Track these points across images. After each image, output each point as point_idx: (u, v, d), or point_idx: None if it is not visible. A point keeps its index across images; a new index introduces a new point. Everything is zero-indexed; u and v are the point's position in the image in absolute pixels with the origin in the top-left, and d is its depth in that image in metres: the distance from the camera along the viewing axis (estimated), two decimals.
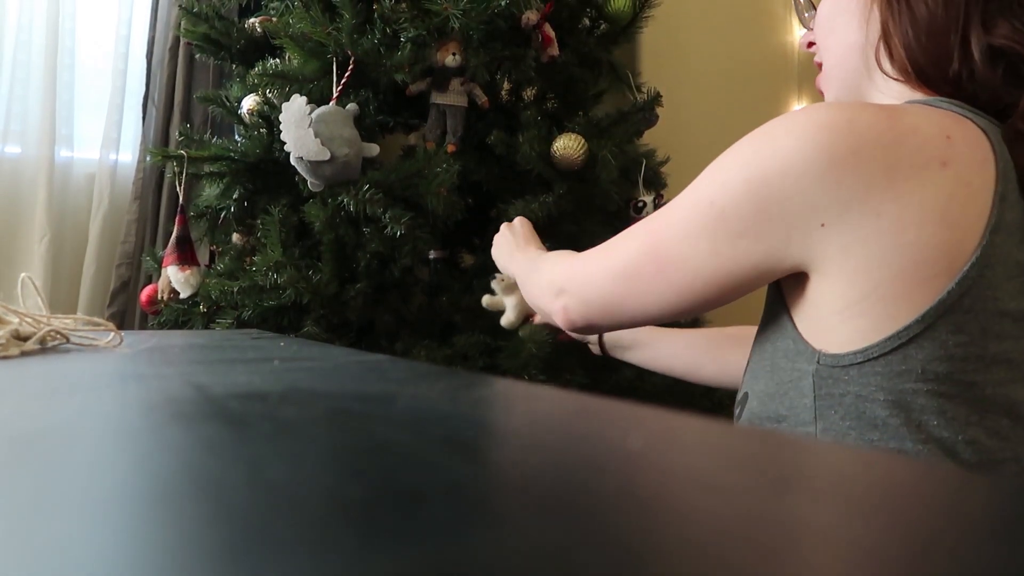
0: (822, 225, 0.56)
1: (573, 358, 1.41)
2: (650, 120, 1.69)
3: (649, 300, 0.67)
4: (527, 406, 0.33)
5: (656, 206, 1.62)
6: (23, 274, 0.54)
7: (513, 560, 0.14)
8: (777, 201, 0.57)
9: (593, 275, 0.71)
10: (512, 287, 1.12)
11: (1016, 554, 0.14)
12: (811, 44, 0.79)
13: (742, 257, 0.60)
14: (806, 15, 0.81)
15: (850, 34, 0.71)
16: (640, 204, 1.59)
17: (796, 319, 0.63)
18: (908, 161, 0.55)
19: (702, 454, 0.24)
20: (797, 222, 0.57)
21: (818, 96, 0.81)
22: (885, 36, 0.67)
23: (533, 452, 0.23)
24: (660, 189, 1.74)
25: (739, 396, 0.71)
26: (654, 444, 0.25)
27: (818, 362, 0.60)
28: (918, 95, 0.66)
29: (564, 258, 0.81)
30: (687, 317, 0.80)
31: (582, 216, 1.50)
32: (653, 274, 0.65)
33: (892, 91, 0.68)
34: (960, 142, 0.56)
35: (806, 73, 2.59)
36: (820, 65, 0.77)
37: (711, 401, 1.54)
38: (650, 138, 1.80)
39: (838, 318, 0.58)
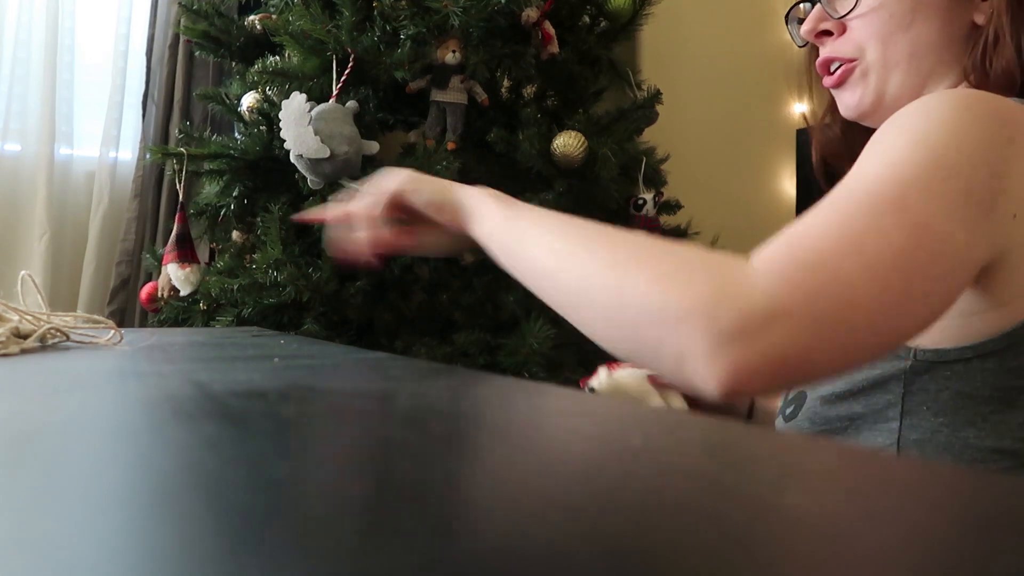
0: (1014, 216, 0.51)
1: (574, 356, 1.41)
2: (650, 118, 1.69)
3: (923, 304, 0.45)
4: (527, 404, 0.33)
5: (656, 204, 1.62)
6: (23, 272, 0.54)
7: (513, 556, 0.14)
8: (999, 178, 0.50)
9: (849, 280, 0.43)
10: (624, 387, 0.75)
11: (1011, 549, 0.14)
12: (825, 34, 0.70)
13: (987, 237, 0.49)
14: None
15: (930, 32, 0.65)
16: (640, 202, 1.59)
17: None
18: None
19: (701, 452, 0.24)
20: (1004, 207, 0.51)
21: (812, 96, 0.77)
22: (996, 42, 0.63)
23: (533, 449, 0.23)
24: (660, 187, 1.74)
25: (789, 395, 0.69)
26: (653, 442, 0.25)
27: (914, 358, 0.58)
28: None
29: (714, 258, 0.46)
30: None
31: (582, 214, 1.50)
32: (926, 264, 0.45)
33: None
34: None
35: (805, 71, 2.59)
36: (849, 60, 0.68)
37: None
38: (650, 135, 1.80)
39: (971, 319, 0.55)
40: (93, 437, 0.25)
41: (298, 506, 0.17)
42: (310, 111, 1.32)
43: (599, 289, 0.47)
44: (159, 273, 1.56)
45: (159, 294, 1.52)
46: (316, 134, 1.30)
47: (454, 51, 1.40)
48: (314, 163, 1.32)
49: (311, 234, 1.42)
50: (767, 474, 0.21)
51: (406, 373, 0.44)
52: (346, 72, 1.38)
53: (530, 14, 1.44)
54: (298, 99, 1.32)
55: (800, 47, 0.77)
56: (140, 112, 2.03)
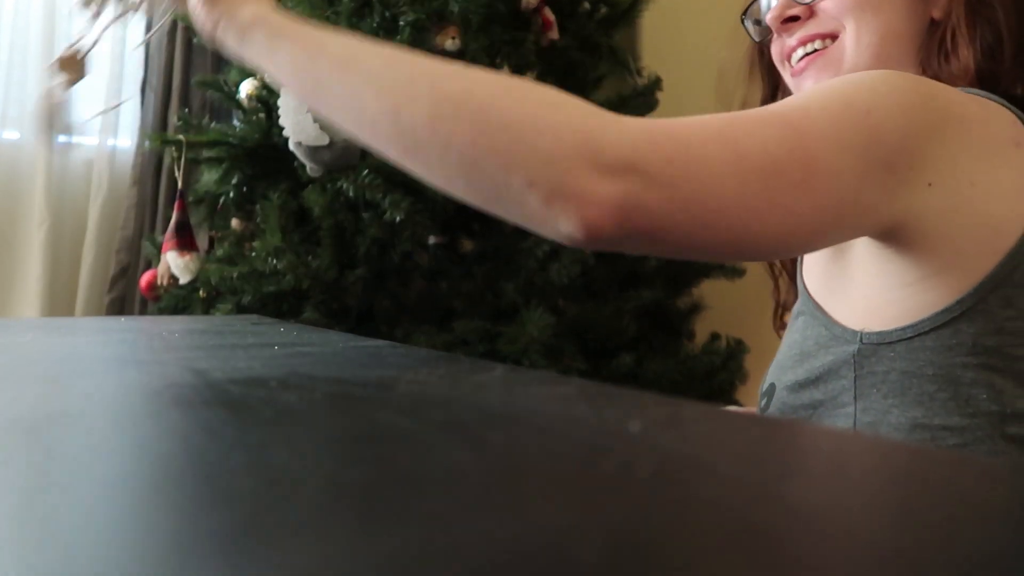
0: (929, 184, 0.53)
1: (574, 344, 1.42)
2: (650, 104, 1.68)
3: (780, 217, 0.48)
4: (527, 392, 0.33)
5: None
6: None
7: (513, 544, 0.14)
8: (915, 143, 0.52)
9: (709, 161, 0.46)
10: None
11: (1014, 534, 0.15)
12: (791, 21, 0.68)
13: (884, 193, 0.51)
14: None
15: (897, 21, 0.66)
16: None
17: (830, 302, 0.63)
18: (997, 137, 0.56)
19: (700, 439, 0.24)
20: (917, 174, 0.53)
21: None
22: (952, 37, 0.64)
23: (533, 437, 0.23)
24: None
25: (764, 387, 0.71)
26: (653, 429, 0.25)
27: (860, 341, 0.59)
28: None
29: (586, 107, 0.47)
30: (794, 255, 0.70)
31: None
32: (797, 182, 0.47)
33: None
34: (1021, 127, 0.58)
35: None
36: (822, 39, 0.67)
37: (710, 387, 1.54)
38: None
39: (906, 291, 0.57)
40: (93, 424, 0.25)
41: (298, 493, 0.17)
42: None
43: (455, 134, 0.46)
44: (158, 261, 1.55)
45: (158, 282, 1.52)
46: (315, 121, 1.30)
47: (453, 37, 1.40)
48: (313, 150, 1.31)
49: (311, 222, 1.42)
50: (767, 462, 0.21)
51: (406, 361, 0.44)
52: None
53: (530, 0, 1.43)
54: None
55: (757, 41, 0.76)
56: (138, 99, 2.03)
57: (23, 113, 1.93)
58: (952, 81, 0.62)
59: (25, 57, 1.93)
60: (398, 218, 1.31)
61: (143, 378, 0.38)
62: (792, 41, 0.69)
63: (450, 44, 1.40)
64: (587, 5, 1.70)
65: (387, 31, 1.39)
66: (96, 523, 0.15)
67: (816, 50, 0.68)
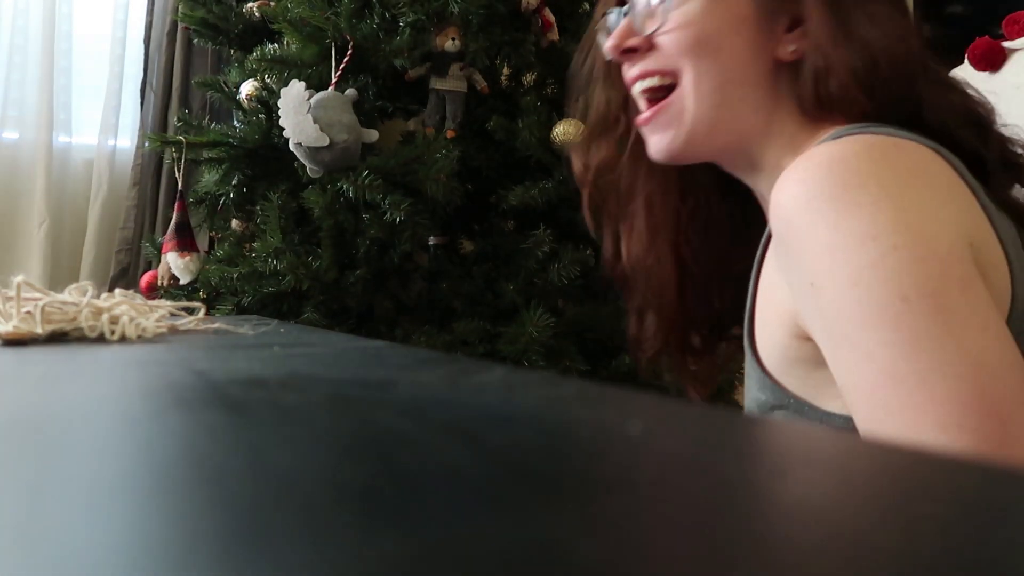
0: (970, 244, 0.52)
1: (574, 345, 1.41)
2: None
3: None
4: (527, 392, 0.34)
5: None
6: (18, 278, 0.53)
7: (513, 546, 0.14)
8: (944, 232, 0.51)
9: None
10: None
11: (1011, 538, 0.15)
12: (630, 52, 0.64)
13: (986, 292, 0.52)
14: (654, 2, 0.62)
15: (737, 66, 0.61)
16: None
17: (820, 399, 0.58)
18: (944, 169, 0.54)
19: (701, 441, 0.24)
20: (964, 246, 0.52)
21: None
22: (826, 67, 0.58)
23: (533, 438, 0.23)
24: None
25: None
26: (653, 430, 0.25)
27: (820, 420, 0.57)
28: (824, 126, 0.60)
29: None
30: None
31: (582, 202, 1.50)
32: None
33: (793, 123, 0.61)
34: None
35: None
36: (661, 75, 0.62)
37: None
38: None
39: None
40: (93, 425, 0.25)
41: (297, 494, 0.17)
42: (309, 99, 1.31)
43: None
44: (159, 261, 1.56)
45: (159, 283, 1.53)
46: (315, 122, 1.30)
47: (453, 38, 1.40)
48: (313, 151, 1.31)
49: (311, 223, 1.42)
50: (767, 463, 0.21)
51: (406, 362, 0.44)
52: (345, 60, 1.38)
53: (530, 1, 1.43)
54: (297, 87, 1.31)
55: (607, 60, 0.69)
56: (139, 100, 2.03)
57: (23, 113, 1.93)
58: (841, 115, 0.58)
59: (25, 57, 1.93)
60: (398, 219, 1.32)
61: (143, 378, 0.38)
62: (633, 72, 0.65)
63: (450, 45, 1.40)
64: (587, 6, 1.70)
65: (387, 32, 1.39)
66: (95, 524, 0.15)
67: (655, 88, 0.64)
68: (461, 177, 1.39)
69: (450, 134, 1.43)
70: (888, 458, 0.21)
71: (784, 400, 0.60)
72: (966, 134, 0.59)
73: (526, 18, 1.46)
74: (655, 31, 0.62)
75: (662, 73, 0.63)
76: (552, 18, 1.49)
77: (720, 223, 0.74)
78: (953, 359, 0.46)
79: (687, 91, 0.61)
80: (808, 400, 0.58)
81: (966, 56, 1.51)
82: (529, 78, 1.68)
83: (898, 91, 0.59)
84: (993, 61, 1.48)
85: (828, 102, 0.59)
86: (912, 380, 0.46)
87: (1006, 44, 1.50)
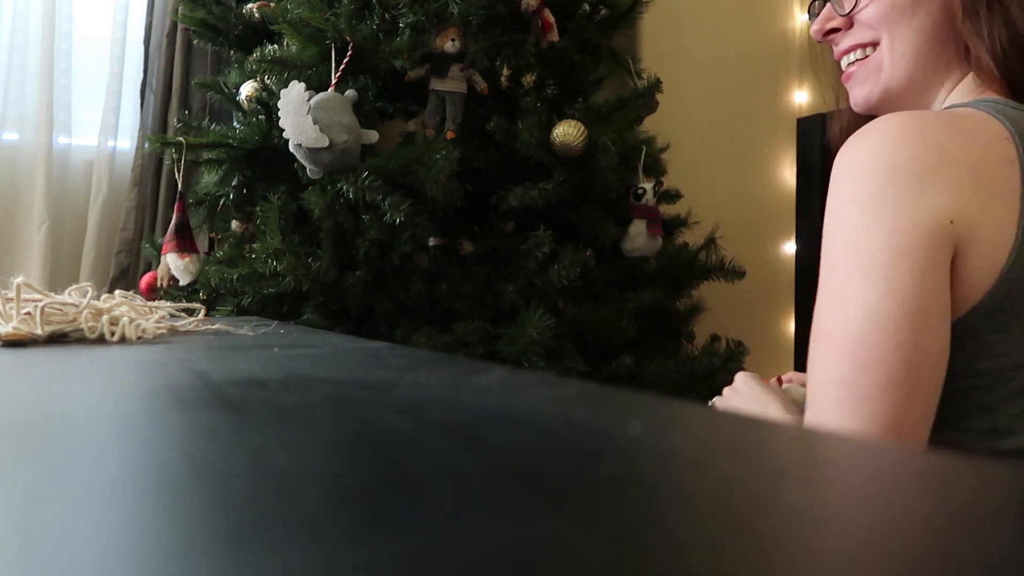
0: (951, 222, 0.57)
1: (573, 346, 1.41)
2: (650, 106, 1.68)
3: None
4: (526, 393, 0.33)
5: (656, 193, 1.62)
6: (18, 279, 0.53)
7: (513, 546, 0.14)
8: (917, 209, 0.59)
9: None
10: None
11: (1010, 538, 0.15)
12: (832, 32, 0.74)
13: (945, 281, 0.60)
14: None
15: (931, 28, 0.69)
16: (640, 191, 1.59)
17: None
18: (986, 160, 0.58)
19: (701, 441, 0.24)
20: (944, 223, 0.58)
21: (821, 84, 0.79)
22: (977, 33, 0.66)
23: (533, 439, 0.23)
24: (660, 176, 1.73)
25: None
26: (653, 431, 0.25)
27: None
28: (987, 93, 0.67)
29: None
30: None
31: (581, 203, 1.50)
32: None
33: (963, 87, 0.69)
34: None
35: (807, 60, 2.58)
36: (863, 48, 0.72)
37: (710, 389, 1.54)
38: (650, 125, 1.79)
39: None
40: (93, 426, 0.25)
41: (297, 495, 0.17)
42: (309, 100, 1.31)
43: None
44: (158, 262, 1.55)
45: (158, 284, 1.52)
46: (315, 123, 1.30)
47: (453, 39, 1.40)
48: (313, 152, 1.31)
49: (310, 224, 1.42)
50: (767, 464, 0.21)
51: (406, 362, 0.44)
52: (345, 60, 1.38)
53: (530, 2, 1.43)
54: (297, 88, 1.31)
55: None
56: (138, 101, 2.03)
57: (23, 114, 1.93)
58: (994, 83, 0.65)
59: (25, 58, 1.93)
60: (398, 220, 1.31)
61: (143, 379, 0.38)
62: (840, 48, 0.74)
63: (450, 46, 1.40)
64: (587, 7, 1.70)
65: (387, 32, 1.39)
66: (95, 525, 0.15)
67: (859, 60, 0.73)
68: (461, 178, 1.39)
69: (450, 135, 1.43)
70: (888, 458, 0.21)
71: None
72: None
73: (526, 19, 1.46)
74: (852, 10, 0.72)
75: (863, 46, 0.72)
76: (552, 19, 1.49)
77: None
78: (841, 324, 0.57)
79: (885, 51, 0.71)
80: None
81: None
82: (529, 79, 1.68)
83: None
84: None
85: (976, 68, 0.67)
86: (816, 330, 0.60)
87: None
